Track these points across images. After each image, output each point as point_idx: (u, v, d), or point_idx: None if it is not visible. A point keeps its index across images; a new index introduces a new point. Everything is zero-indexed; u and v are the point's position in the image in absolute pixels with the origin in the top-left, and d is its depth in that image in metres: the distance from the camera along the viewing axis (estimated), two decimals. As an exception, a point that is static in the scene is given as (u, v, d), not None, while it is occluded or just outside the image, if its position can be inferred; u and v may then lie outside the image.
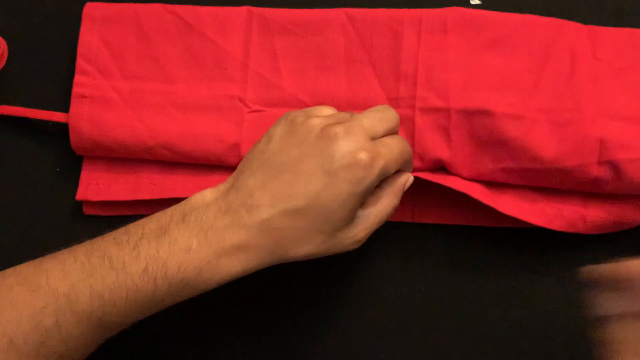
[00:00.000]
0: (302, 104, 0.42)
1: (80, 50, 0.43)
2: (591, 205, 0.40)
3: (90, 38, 0.43)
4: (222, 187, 0.36)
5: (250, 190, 0.34)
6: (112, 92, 0.42)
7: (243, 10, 0.43)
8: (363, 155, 0.33)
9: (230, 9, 0.43)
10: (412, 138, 0.41)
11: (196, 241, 0.33)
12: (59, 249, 0.43)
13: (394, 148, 0.36)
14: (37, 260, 0.35)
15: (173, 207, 0.35)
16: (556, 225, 0.40)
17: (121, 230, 0.35)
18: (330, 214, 0.34)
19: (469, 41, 0.41)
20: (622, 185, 0.39)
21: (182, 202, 0.35)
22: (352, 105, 0.42)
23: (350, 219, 0.35)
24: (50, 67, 0.45)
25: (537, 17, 0.42)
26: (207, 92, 0.42)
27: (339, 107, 0.41)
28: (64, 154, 0.44)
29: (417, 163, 0.40)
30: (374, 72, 0.42)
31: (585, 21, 0.42)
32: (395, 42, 0.41)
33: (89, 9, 0.43)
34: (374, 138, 0.35)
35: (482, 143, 0.40)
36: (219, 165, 0.42)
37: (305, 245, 0.34)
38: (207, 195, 0.35)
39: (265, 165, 0.34)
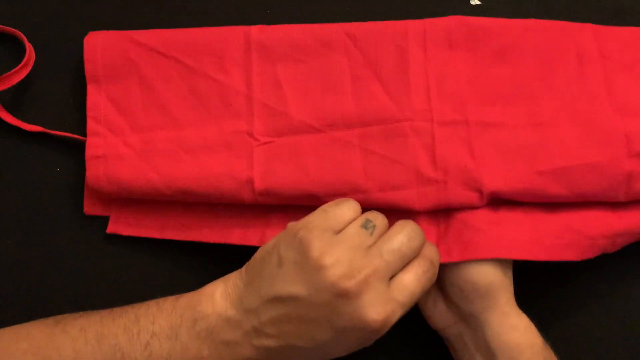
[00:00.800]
0: (312, 129, 0.41)
1: (89, 112, 0.43)
2: (620, 226, 0.39)
3: (97, 99, 0.43)
4: (232, 291, 0.35)
5: (259, 317, 0.34)
6: (124, 147, 0.42)
7: (240, 41, 0.42)
8: (375, 318, 0.32)
9: (227, 39, 0.42)
10: (432, 151, 0.39)
11: (207, 351, 0.34)
12: (59, 250, 0.44)
13: (415, 289, 0.34)
14: (48, 327, 0.36)
15: (183, 304, 0.35)
16: (589, 254, 0.39)
17: (131, 316, 0.35)
18: (337, 355, 0.34)
19: (475, 53, 0.41)
20: None
21: (193, 301, 0.35)
22: (363, 122, 0.41)
23: None
24: (60, 71, 0.45)
25: (539, 21, 0.41)
26: (216, 132, 0.41)
27: (350, 125, 0.40)
28: (64, 154, 0.44)
29: (440, 175, 0.39)
30: (381, 87, 0.41)
31: (585, 21, 0.42)
32: (401, 57, 0.41)
33: (89, 67, 0.42)
34: (394, 274, 0.34)
35: (509, 151, 0.39)
36: (238, 202, 0.41)
37: None
38: (217, 301, 0.35)
39: (273, 295, 0.33)
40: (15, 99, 0.45)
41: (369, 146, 0.40)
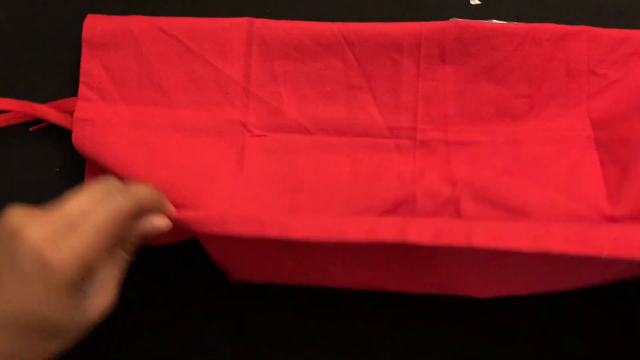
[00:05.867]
0: (305, 130, 0.42)
1: (83, 78, 0.42)
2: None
3: (92, 65, 0.42)
4: None
5: None
6: (114, 116, 0.42)
7: (243, 32, 0.42)
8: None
9: (229, 30, 0.42)
10: (412, 169, 0.40)
11: None
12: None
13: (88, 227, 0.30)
14: None
15: None
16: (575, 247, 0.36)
17: None
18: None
19: (466, 69, 0.41)
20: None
21: None
22: (353, 132, 0.42)
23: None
24: (54, 62, 0.46)
25: (536, 29, 0.41)
26: (209, 117, 0.42)
27: (341, 134, 0.42)
28: (63, 154, 0.44)
29: (428, 203, 0.39)
30: (373, 100, 0.42)
31: (585, 22, 0.42)
32: (395, 71, 0.42)
33: (87, 33, 0.42)
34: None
35: (482, 169, 0.40)
36: (220, 189, 0.40)
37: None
38: None
39: None
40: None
41: (357, 155, 0.41)
